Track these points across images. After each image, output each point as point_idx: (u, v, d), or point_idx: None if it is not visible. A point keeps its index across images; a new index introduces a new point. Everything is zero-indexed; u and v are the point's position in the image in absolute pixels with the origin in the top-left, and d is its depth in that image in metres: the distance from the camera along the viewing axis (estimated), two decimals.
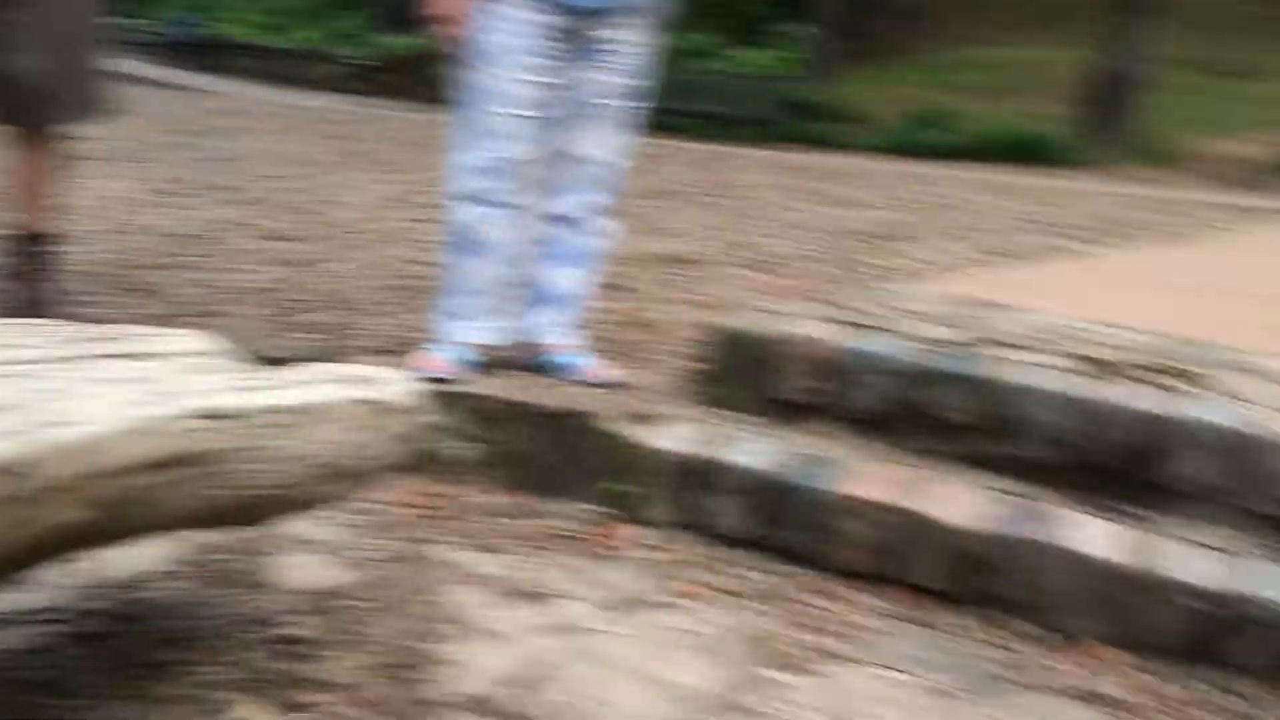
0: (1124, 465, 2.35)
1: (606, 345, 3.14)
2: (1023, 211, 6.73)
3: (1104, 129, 11.34)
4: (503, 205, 2.66)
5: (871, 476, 2.38)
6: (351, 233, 4.65)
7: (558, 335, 2.85)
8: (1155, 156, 11.42)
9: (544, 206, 2.79)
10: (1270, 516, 2.21)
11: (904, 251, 4.95)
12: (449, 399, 2.60)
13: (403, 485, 2.48)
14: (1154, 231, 6.16)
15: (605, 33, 2.64)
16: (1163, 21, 11.51)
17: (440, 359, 2.71)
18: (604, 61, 2.67)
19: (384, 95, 15.12)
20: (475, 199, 2.65)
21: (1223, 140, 12.02)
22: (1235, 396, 2.42)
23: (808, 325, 2.82)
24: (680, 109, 12.62)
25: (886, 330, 2.82)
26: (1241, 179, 10.37)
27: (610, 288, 3.78)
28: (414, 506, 2.46)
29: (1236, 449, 2.24)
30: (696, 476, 2.48)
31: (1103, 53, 11.47)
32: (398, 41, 16.10)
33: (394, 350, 2.86)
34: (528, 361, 2.85)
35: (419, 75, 14.41)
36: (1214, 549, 2.17)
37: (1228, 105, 13.38)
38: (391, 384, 1.76)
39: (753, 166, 8.74)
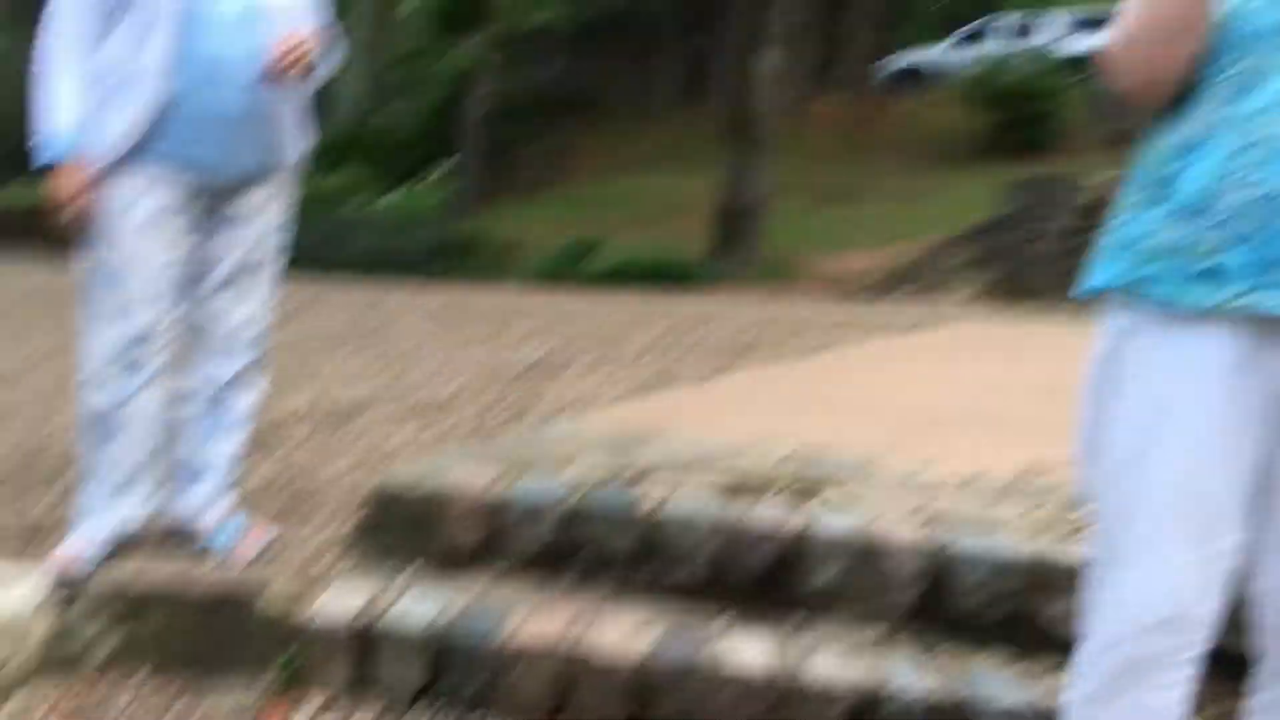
0: (770, 580, 2.54)
1: (262, 511, 3.04)
2: (669, 335, 7.16)
3: (732, 251, 12.30)
4: (142, 381, 2.55)
5: (537, 619, 2.43)
6: None
7: (209, 510, 2.74)
8: (778, 275, 12.49)
9: (187, 378, 2.71)
10: (902, 613, 2.45)
11: (562, 384, 5.13)
12: (90, 590, 2.43)
13: (43, 692, 2.28)
14: (783, 347, 6.72)
15: (240, 198, 2.63)
16: (773, 152, 12.73)
17: (81, 546, 2.53)
18: (241, 226, 2.65)
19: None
20: (112, 377, 2.52)
21: (834, 257, 13.34)
22: (861, 504, 2.68)
23: (469, 472, 2.87)
24: (332, 252, 12.51)
25: (545, 471, 2.92)
26: (851, 293, 11.53)
27: (263, 447, 3.68)
28: (60, 715, 2.25)
29: (861, 554, 2.48)
30: (366, 638, 2.44)
31: (724, 181, 12.50)
32: (16, 192, 15.00)
33: (27, 539, 2.64)
34: (179, 540, 2.72)
35: (40, 226, 13.46)
36: (855, 649, 2.37)
37: (835, 226, 14.90)
38: (18, 582, 1.64)
39: (409, 307, 8.77)
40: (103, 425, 2.55)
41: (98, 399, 2.55)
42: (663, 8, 23.90)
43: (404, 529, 2.77)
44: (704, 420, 3.85)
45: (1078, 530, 2.53)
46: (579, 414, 4.24)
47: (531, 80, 24.97)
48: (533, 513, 2.69)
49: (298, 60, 2.45)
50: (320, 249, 12.54)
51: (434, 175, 15.48)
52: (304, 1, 2.63)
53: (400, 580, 2.63)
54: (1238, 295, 1.35)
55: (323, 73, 2.66)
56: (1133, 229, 1.46)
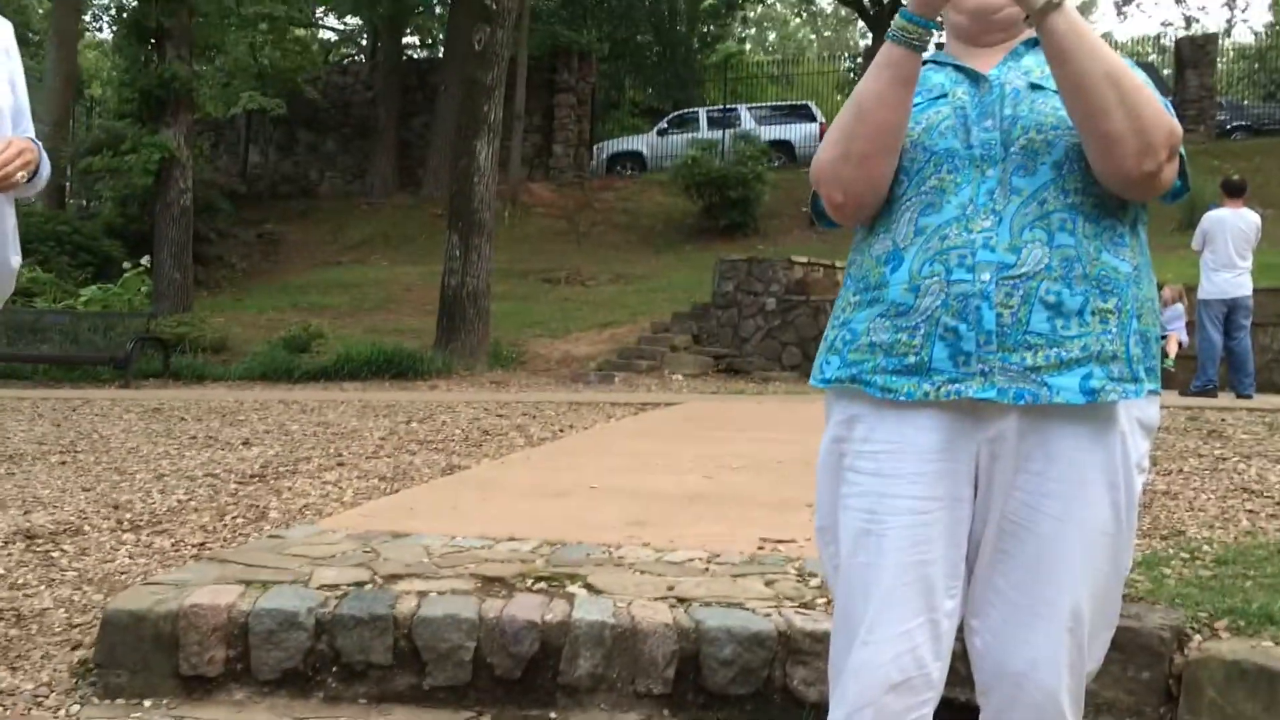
0: (529, 673, 2.56)
1: None
2: (401, 429, 7.05)
3: (459, 340, 12.27)
4: None
5: None
6: None
7: None
8: (506, 361, 12.57)
9: None
10: (655, 695, 2.53)
11: (295, 487, 4.95)
12: None
13: None
14: (520, 435, 6.77)
15: None
16: (493, 238, 12.86)
17: None
18: None
19: None
20: None
21: (559, 341, 13.58)
22: (609, 592, 2.75)
23: (205, 591, 2.74)
24: (23, 354, 11.56)
25: (288, 582, 2.83)
26: (579, 375, 11.75)
27: None
28: None
29: (617, 640, 2.55)
30: None
31: (446, 269, 12.50)
32: None
33: None
34: None
35: None
36: None
37: (558, 309, 15.19)
38: None
39: (113, 412, 8.22)
40: None
41: None
42: (373, 95, 23.80)
43: (141, 658, 2.61)
44: (448, 516, 3.83)
45: (815, 599, 2.70)
46: (317, 518, 4.12)
47: (238, 169, 24.22)
48: (283, 627, 2.60)
49: (16, 169, 2.32)
50: (8, 350, 11.59)
51: (134, 269, 14.60)
52: (17, 108, 2.50)
53: (138, 716, 2.47)
54: (941, 385, 1.52)
55: (38, 185, 2.52)
56: (852, 327, 1.63)
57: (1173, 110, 1.55)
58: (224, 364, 12.62)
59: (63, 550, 3.80)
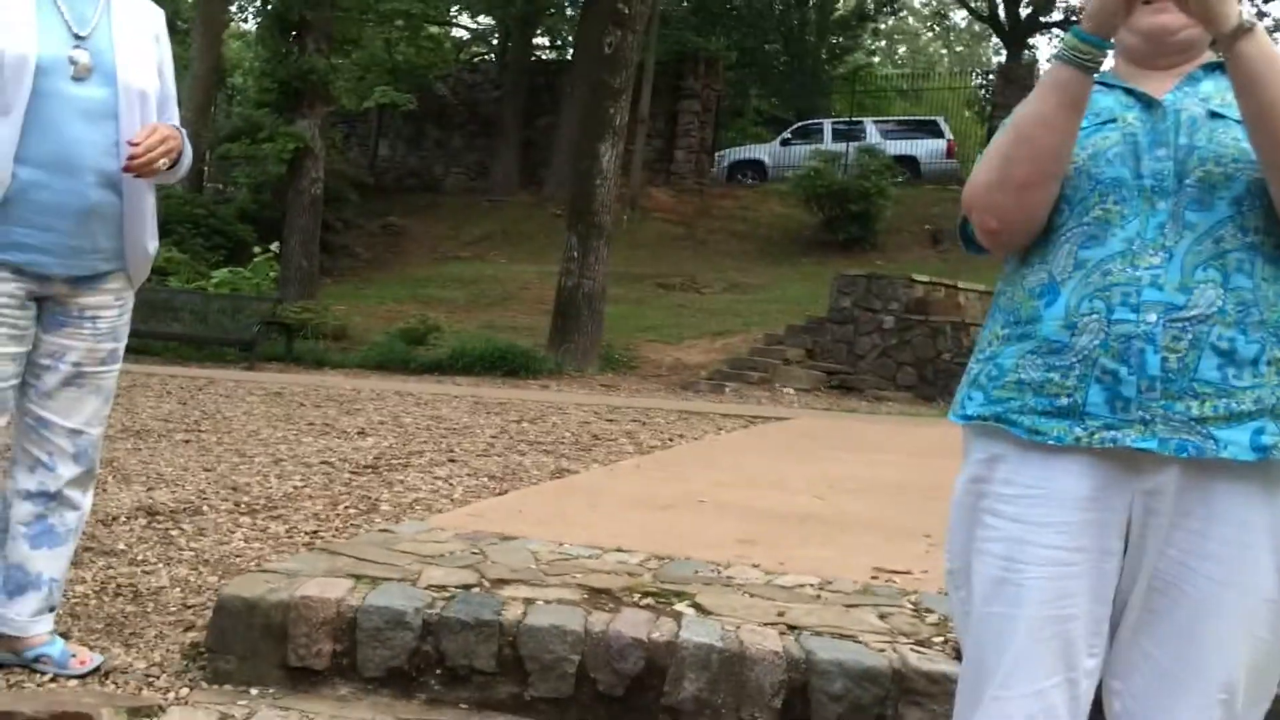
0: (632, 692, 2.51)
1: (91, 625, 2.85)
2: (512, 428, 7.10)
3: (572, 340, 12.34)
4: None
5: None
6: None
7: (33, 624, 2.54)
8: (617, 364, 12.60)
9: (16, 483, 2.53)
10: None
11: (406, 480, 5.00)
12: None
13: None
14: (630, 441, 6.75)
15: (79, 298, 2.50)
16: (611, 241, 12.91)
17: None
18: (78, 327, 2.51)
19: None
20: None
21: (672, 348, 13.56)
22: (717, 613, 2.69)
23: (316, 583, 2.75)
24: (155, 331, 11.98)
25: (396, 580, 2.83)
26: (689, 383, 11.70)
27: (90, 553, 3.46)
28: None
29: (724, 665, 2.48)
30: None
31: (563, 270, 12.58)
32: None
33: None
34: (2, 658, 2.51)
35: None
36: None
37: (673, 316, 15.17)
38: None
39: (237, 393, 8.45)
40: None
41: None
42: (500, 94, 24.15)
43: (250, 645, 2.63)
44: (556, 522, 3.81)
45: (932, 638, 2.60)
46: (426, 514, 4.14)
47: (367, 161, 24.81)
48: (389, 625, 2.60)
49: (159, 155, 2.37)
50: (141, 327, 12.03)
51: (264, 254, 15.06)
52: (164, 94, 2.55)
53: (245, 704, 2.49)
54: (1095, 431, 1.43)
55: (180, 171, 2.57)
56: (999, 363, 1.54)
57: None
58: (343, 351, 12.91)
59: (182, 529, 3.89)
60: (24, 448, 2.53)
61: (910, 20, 42.17)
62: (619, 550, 3.30)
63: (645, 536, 3.55)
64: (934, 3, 36.58)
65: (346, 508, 4.37)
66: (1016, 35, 27.66)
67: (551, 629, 2.56)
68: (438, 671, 2.59)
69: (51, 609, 2.59)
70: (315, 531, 3.96)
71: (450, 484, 4.97)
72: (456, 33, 30.01)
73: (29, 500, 2.53)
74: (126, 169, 2.37)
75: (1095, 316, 1.44)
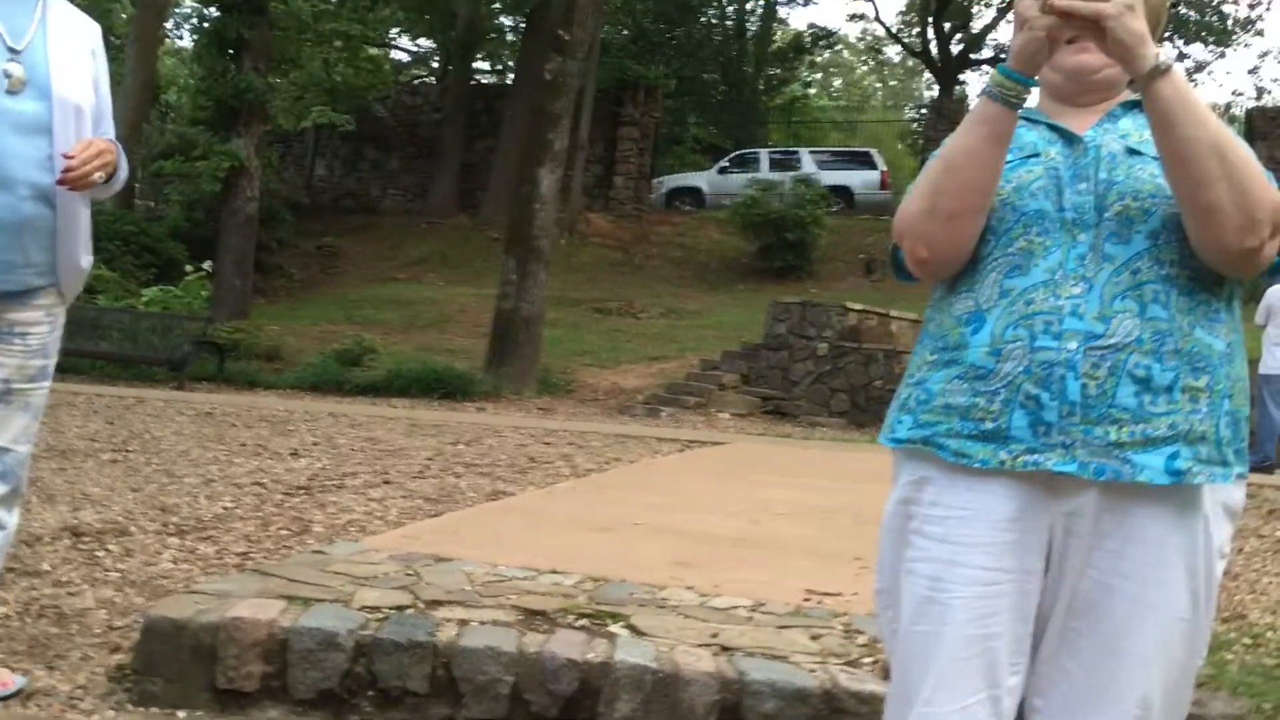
0: (566, 713, 2.51)
1: (13, 646, 2.79)
2: (448, 450, 7.06)
3: (509, 364, 12.29)
4: None
5: None
6: None
7: None
8: (554, 388, 12.58)
9: None
10: None
11: (340, 502, 4.96)
12: None
13: None
14: (566, 464, 6.74)
15: (9, 313, 2.46)
16: (549, 265, 12.91)
17: None
18: (8, 343, 2.47)
19: None
20: None
21: (609, 372, 13.57)
22: (652, 634, 2.71)
23: (247, 605, 2.73)
24: (83, 349, 11.73)
25: (329, 601, 2.81)
26: (626, 407, 11.73)
27: (13, 573, 3.39)
28: None
29: (658, 686, 2.50)
30: None
31: (501, 293, 12.55)
32: None
33: None
34: None
35: None
36: None
37: (609, 340, 15.20)
38: None
39: (166, 413, 8.30)
40: None
41: None
42: (440, 117, 24.09)
43: (178, 667, 2.59)
44: (492, 543, 3.80)
45: (862, 658, 2.64)
46: (360, 536, 4.11)
47: (303, 182, 24.58)
48: (322, 647, 2.58)
49: (95, 169, 2.35)
50: (68, 344, 11.77)
51: (196, 273, 14.82)
52: (99, 109, 2.53)
53: None
54: (1019, 455, 1.47)
55: (115, 186, 2.55)
56: (928, 387, 1.58)
57: (1277, 184, 1.50)
58: (276, 372, 12.73)
59: (108, 550, 3.82)
60: None
61: (845, 54, 42.84)
62: (554, 572, 3.30)
63: (581, 558, 3.56)
64: (869, 38, 37.25)
65: (279, 529, 4.32)
66: (948, 71, 28.25)
67: (485, 650, 2.56)
68: (370, 693, 2.58)
69: None
70: (246, 553, 3.91)
71: (385, 505, 4.93)
72: (396, 55, 29.92)
73: None
74: (61, 182, 2.34)
75: (1019, 344, 1.47)
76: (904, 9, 33.62)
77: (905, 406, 1.61)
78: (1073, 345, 1.45)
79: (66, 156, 2.33)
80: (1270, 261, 1.50)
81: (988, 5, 28.80)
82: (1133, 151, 1.54)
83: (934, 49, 28.53)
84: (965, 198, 1.54)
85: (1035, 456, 1.46)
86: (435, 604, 2.85)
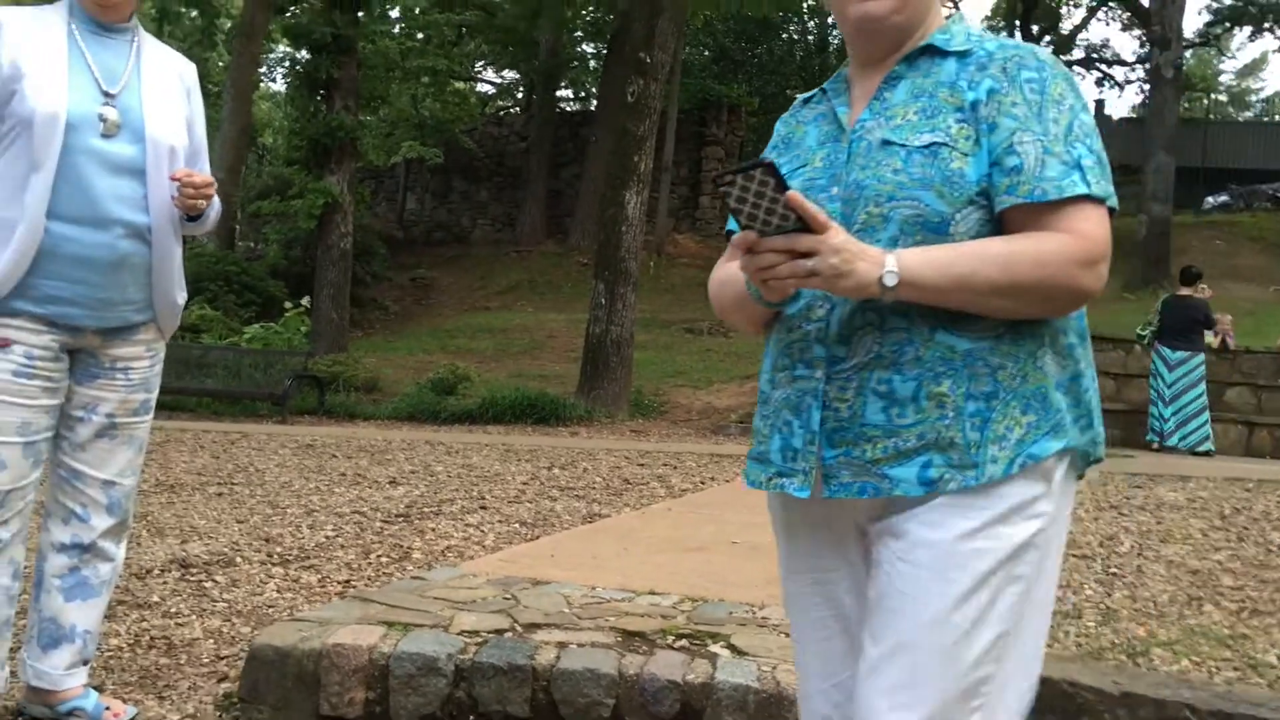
0: None
1: (124, 677, 2.85)
2: (543, 474, 7.08)
3: (601, 387, 12.33)
4: (1, 540, 2.38)
5: None
6: None
7: (67, 677, 2.54)
8: (647, 410, 12.57)
9: (51, 535, 2.54)
10: None
11: (438, 528, 5.00)
12: None
13: None
14: (661, 485, 6.71)
15: (110, 349, 2.52)
16: (638, 287, 12.93)
17: None
18: (111, 379, 2.53)
19: None
20: None
21: (701, 392, 13.52)
22: (753, 654, 2.66)
23: (348, 631, 2.74)
24: (189, 387, 12.09)
25: (429, 626, 2.81)
26: (718, 427, 11.66)
27: (124, 605, 3.47)
28: None
29: (761, 706, 2.45)
30: None
31: (591, 317, 12.61)
32: None
33: None
34: (34, 711, 2.51)
35: None
36: None
37: (702, 360, 15.16)
38: None
39: (269, 446, 8.49)
40: None
41: None
42: (526, 146, 24.39)
43: (284, 695, 2.62)
44: (588, 566, 3.78)
45: None
46: (458, 561, 4.13)
47: (395, 215, 25.08)
48: (423, 672, 2.58)
49: (203, 193, 2.43)
50: (174, 383, 12.15)
51: (295, 309, 15.20)
52: (194, 148, 2.59)
53: None
54: (771, 477, 1.51)
55: (208, 224, 2.61)
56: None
57: (1103, 170, 1.40)
58: (374, 403, 12.95)
59: (215, 581, 3.90)
60: (57, 500, 2.54)
61: None
62: (652, 593, 3.27)
63: (678, 579, 3.52)
64: None
65: (379, 556, 4.37)
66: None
67: (585, 673, 2.54)
68: (471, 717, 2.57)
69: (85, 662, 2.59)
70: (348, 580, 3.96)
71: (482, 531, 4.95)
72: (482, 87, 30.43)
73: (63, 553, 2.54)
74: (174, 177, 2.43)
75: (785, 372, 1.50)
76: (989, 13, 33.15)
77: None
78: (820, 374, 1.45)
79: (175, 178, 2.42)
80: (1102, 284, 1.41)
81: (1076, 5, 28.25)
82: (887, 143, 1.44)
83: None
84: (737, 315, 1.61)
85: (781, 480, 1.49)
86: (533, 627, 2.83)
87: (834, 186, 1.47)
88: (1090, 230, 1.37)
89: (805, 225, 1.33)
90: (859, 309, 1.41)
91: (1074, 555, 4.39)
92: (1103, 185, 1.39)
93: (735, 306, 1.59)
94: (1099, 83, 34.13)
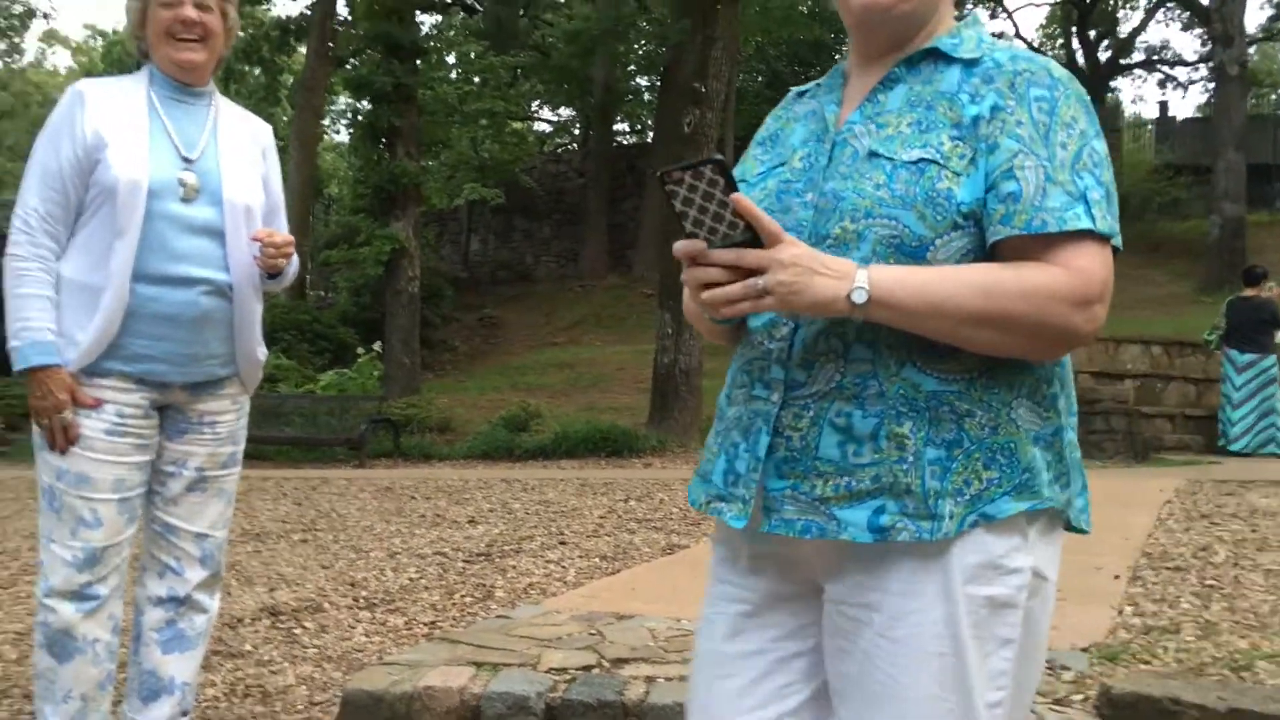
0: None
1: None
2: (619, 507, 7.10)
3: (672, 417, 12.33)
4: (99, 596, 2.45)
5: None
6: None
7: None
8: None
9: (147, 589, 2.61)
10: None
11: (519, 566, 5.03)
12: None
13: None
14: None
15: (197, 404, 2.59)
16: None
17: None
18: (199, 433, 2.60)
19: None
20: (71, 594, 2.42)
21: None
22: None
23: (438, 673, 2.77)
24: (268, 436, 12.32)
25: (516, 665, 2.83)
26: None
27: (219, 655, 3.53)
28: None
29: None
30: None
31: (659, 348, 12.63)
32: None
33: None
34: None
35: None
36: None
37: None
38: None
39: (349, 491, 8.62)
40: (60, 641, 2.44)
41: (52, 618, 2.44)
42: (585, 181, 24.60)
43: None
44: (671, 597, 3.78)
45: (1070, 695, 2.50)
46: (541, 598, 4.15)
47: (460, 256, 25.41)
48: (513, 711, 2.60)
49: (285, 252, 2.50)
50: (254, 432, 12.39)
51: (367, 354, 15.45)
52: (271, 206, 2.66)
53: None
54: (711, 500, 1.38)
55: (286, 280, 2.67)
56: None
57: (1106, 199, 1.27)
58: (449, 443, 13.08)
59: (304, 627, 3.96)
60: (152, 554, 2.61)
61: None
62: None
63: None
64: None
65: (462, 596, 4.40)
66: (1098, 79, 27.37)
67: (675, 707, 2.53)
68: None
69: (185, 713, 2.64)
70: (433, 622, 4.00)
71: (563, 566, 4.97)
72: (539, 126, 30.76)
73: (159, 606, 2.60)
74: (255, 237, 2.49)
75: (744, 390, 1.38)
76: (1044, 22, 32.82)
77: None
78: (775, 397, 1.33)
79: (256, 239, 2.49)
80: (1103, 320, 1.27)
81: (1134, 7, 27.87)
82: (874, 155, 1.32)
83: (1080, 58, 27.70)
84: (700, 325, 1.50)
85: (719, 504, 1.36)
86: (620, 662, 2.84)
87: (810, 192, 1.35)
88: (1088, 267, 1.23)
89: (755, 235, 1.21)
90: (823, 333, 1.30)
91: (1167, 568, 4.29)
92: (1109, 222, 1.26)
93: (697, 316, 1.47)
94: (1161, 84, 33.56)
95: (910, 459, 1.26)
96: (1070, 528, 1.36)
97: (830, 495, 1.28)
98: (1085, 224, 1.23)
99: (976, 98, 1.31)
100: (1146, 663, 2.85)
